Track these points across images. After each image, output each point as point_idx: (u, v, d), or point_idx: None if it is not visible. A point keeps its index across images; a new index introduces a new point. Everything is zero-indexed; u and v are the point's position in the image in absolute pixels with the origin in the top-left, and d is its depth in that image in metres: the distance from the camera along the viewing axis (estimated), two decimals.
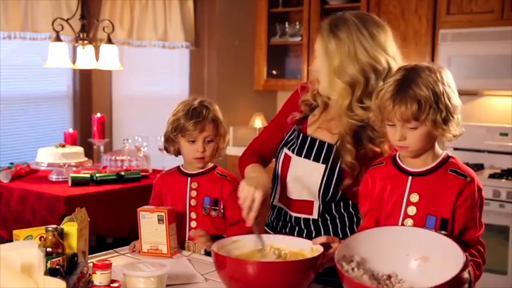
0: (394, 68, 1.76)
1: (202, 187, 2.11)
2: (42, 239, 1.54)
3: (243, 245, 1.74)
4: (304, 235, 1.88)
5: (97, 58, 4.01)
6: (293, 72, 4.84)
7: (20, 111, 4.53)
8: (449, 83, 1.55)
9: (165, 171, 2.25)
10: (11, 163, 3.80)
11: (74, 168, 3.63)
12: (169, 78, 4.95)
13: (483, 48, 3.73)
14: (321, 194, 1.85)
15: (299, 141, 1.92)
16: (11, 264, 1.27)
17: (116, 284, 1.55)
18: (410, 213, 1.60)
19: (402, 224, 1.60)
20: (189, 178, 2.13)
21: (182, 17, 4.59)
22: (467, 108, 4.06)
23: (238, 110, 4.77)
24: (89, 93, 4.95)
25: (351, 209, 1.89)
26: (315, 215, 1.89)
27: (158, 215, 1.97)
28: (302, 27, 4.62)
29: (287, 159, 1.93)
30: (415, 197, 1.60)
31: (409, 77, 1.53)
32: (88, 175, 3.54)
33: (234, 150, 4.02)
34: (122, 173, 3.61)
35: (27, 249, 1.31)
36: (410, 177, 1.61)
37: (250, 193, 1.75)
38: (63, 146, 3.73)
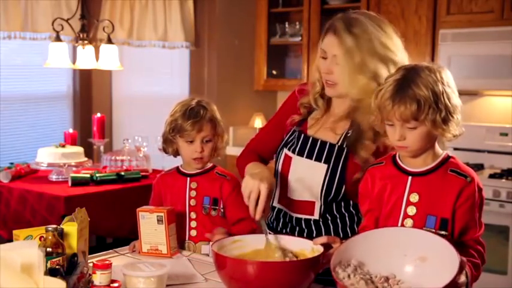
0: (404, 60, 1.78)
1: (202, 187, 2.11)
2: (42, 239, 1.54)
3: (243, 245, 1.73)
4: (305, 235, 1.88)
5: (97, 58, 4.01)
6: (293, 72, 4.84)
7: (20, 111, 4.53)
8: (449, 82, 1.55)
9: (165, 171, 2.25)
10: (11, 163, 3.80)
11: (74, 168, 3.63)
12: (169, 78, 4.95)
13: (483, 48, 3.73)
14: (323, 194, 1.85)
15: (300, 141, 1.92)
16: (11, 264, 1.27)
17: (116, 284, 1.55)
18: (410, 213, 1.60)
19: (402, 224, 1.60)
20: (188, 178, 2.13)
21: (182, 17, 4.59)
22: (467, 108, 4.06)
23: (238, 110, 4.77)
24: (89, 93, 4.95)
25: (351, 209, 1.89)
26: (316, 216, 1.89)
27: (157, 215, 1.97)
28: (302, 27, 4.62)
29: (287, 159, 1.93)
30: (414, 197, 1.59)
31: (409, 77, 1.53)
32: (88, 175, 3.54)
33: (234, 150, 4.02)
34: (122, 173, 3.61)
35: (27, 249, 1.31)
36: (410, 177, 1.61)
37: (255, 186, 1.75)
38: (63, 146, 3.73)
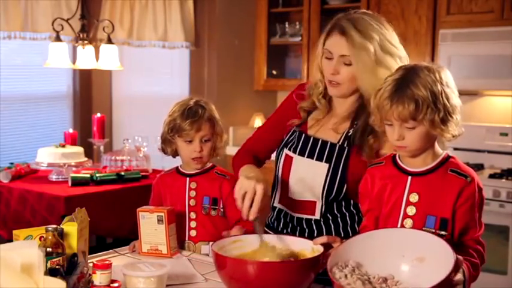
0: (407, 56, 1.81)
1: (201, 187, 2.11)
2: (42, 239, 1.54)
3: (243, 245, 1.73)
4: (306, 235, 1.88)
5: (97, 58, 4.01)
6: (293, 72, 4.84)
7: (20, 111, 4.53)
8: (449, 83, 1.55)
9: (164, 171, 2.25)
10: (11, 163, 3.80)
11: (74, 168, 3.63)
12: (169, 78, 4.95)
13: (483, 48, 3.73)
14: (324, 193, 1.86)
15: (301, 141, 1.92)
16: (11, 264, 1.27)
17: (116, 284, 1.55)
18: (410, 213, 1.60)
19: (402, 224, 1.60)
20: (187, 178, 2.13)
21: (182, 17, 4.59)
22: (467, 108, 4.06)
23: (238, 110, 4.77)
24: (89, 93, 4.95)
25: (351, 208, 1.89)
26: (317, 216, 1.89)
27: (158, 215, 1.97)
28: (302, 27, 4.62)
29: (288, 160, 1.93)
30: (414, 197, 1.59)
31: (408, 77, 1.54)
32: (88, 175, 3.54)
33: (234, 150, 3.96)
34: (122, 173, 3.61)
35: (27, 249, 1.31)
36: (409, 177, 1.61)
37: (251, 186, 1.74)
38: (63, 146, 3.73)
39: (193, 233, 2.09)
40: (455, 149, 3.83)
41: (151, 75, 4.99)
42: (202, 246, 2.07)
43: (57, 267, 1.46)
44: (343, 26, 1.79)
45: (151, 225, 1.98)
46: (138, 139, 3.92)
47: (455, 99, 1.55)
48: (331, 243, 1.65)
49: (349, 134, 1.87)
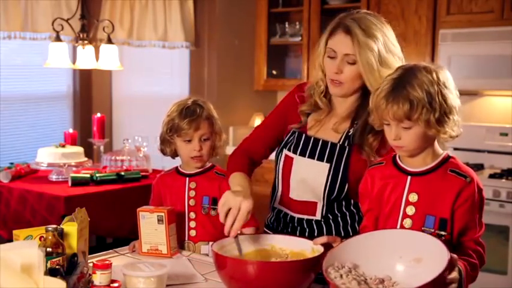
0: (404, 56, 1.82)
1: (201, 187, 2.10)
2: (42, 239, 1.54)
3: (243, 245, 1.73)
4: (306, 235, 1.88)
5: (97, 58, 4.01)
6: (293, 72, 4.84)
7: (20, 111, 4.53)
8: (447, 83, 1.55)
9: (164, 172, 2.25)
10: (11, 163, 3.80)
11: (74, 168, 3.63)
12: (169, 78, 4.95)
13: (483, 48, 3.73)
14: (326, 194, 1.86)
15: (301, 142, 1.92)
16: (11, 264, 1.27)
17: (116, 284, 1.55)
18: (409, 213, 1.60)
19: (401, 224, 1.60)
20: (187, 178, 2.13)
21: (182, 17, 4.59)
22: (467, 108, 4.06)
23: (238, 110, 4.77)
24: (89, 93, 4.95)
25: (352, 208, 1.89)
26: (318, 216, 1.89)
27: (158, 215, 1.97)
28: (302, 27, 4.62)
29: (289, 160, 1.93)
30: (414, 197, 1.60)
31: (405, 77, 1.54)
32: (88, 175, 3.54)
33: None
34: (122, 173, 3.61)
35: (27, 249, 1.31)
36: (409, 177, 1.61)
37: (236, 203, 1.71)
38: (63, 146, 3.73)
39: (193, 233, 2.09)
40: (455, 149, 3.83)
41: (151, 75, 4.99)
42: (202, 246, 2.07)
43: (57, 267, 1.46)
44: (348, 25, 1.79)
45: (152, 225, 1.98)
46: (138, 139, 3.92)
47: (453, 100, 1.54)
48: (331, 243, 1.65)
49: (350, 134, 1.87)
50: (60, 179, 3.60)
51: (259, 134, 2.08)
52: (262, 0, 4.73)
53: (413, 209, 1.59)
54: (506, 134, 3.90)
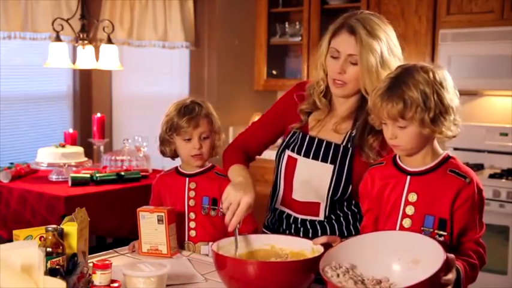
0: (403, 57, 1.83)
1: (201, 187, 2.10)
2: (42, 239, 1.54)
3: (243, 245, 1.73)
4: (310, 235, 1.88)
5: (97, 58, 4.01)
6: (293, 72, 4.84)
7: (20, 111, 4.53)
8: (444, 83, 1.55)
9: (164, 172, 2.24)
10: (11, 163, 3.80)
11: (74, 168, 3.63)
12: (169, 78, 4.94)
13: (483, 48, 3.73)
14: (329, 195, 1.86)
15: (305, 143, 1.92)
16: (11, 264, 1.27)
17: (116, 284, 1.55)
18: (409, 213, 1.60)
19: (401, 224, 1.60)
20: (187, 178, 2.12)
21: (182, 17, 4.59)
22: (467, 108, 4.06)
23: (238, 110, 4.77)
24: (89, 93, 4.95)
25: (353, 207, 1.89)
26: (321, 217, 1.89)
27: (158, 215, 1.97)
28: (302, 27, 4.62)
29: (292, 161, 1.92)
30: (413, 197, 1.60)
31: (402, 76, 1.55)
32: (88, 175, 3.54)
33: None
34: (122, 173, 3.61)
35: (27, 249, 1.31)
36: (408, 177, 1.61)
37: (237, 198, 1.75)
38: (63, 146, 3.73)
39: (192, 233, 2.08)
40: (455, 149, 3.83)
41: (151, 75, 4.99)
42: (202, 246, 2.06)
43: (57, 267, 1.46)
44: (353, 25, 1.79)
45: (152, 225, 1.98)
46: (138, 139, 3.92)
47: (450, 100, 1.54)
48: (331, 243, 1.65)
49: (353, 135, 1.87)
50: (60, 179, 3.60)
51: (256, 130, 2.08)
52: (262, 0, 4.73)
53: (413, 209, 1.59)
54: (506, 134, 3.90)
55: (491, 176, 3.63)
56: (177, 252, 2.01)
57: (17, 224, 3.34)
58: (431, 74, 1.54)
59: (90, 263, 1.61)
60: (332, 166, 1.86)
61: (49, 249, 1.48)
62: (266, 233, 1.99)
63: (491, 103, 4.08)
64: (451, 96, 1.55)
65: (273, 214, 2.00)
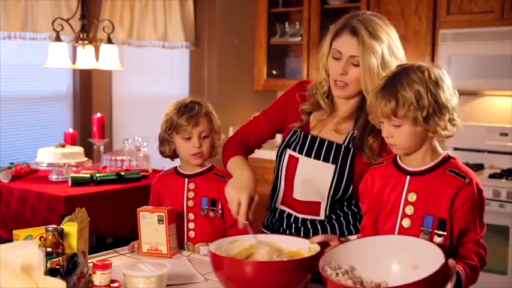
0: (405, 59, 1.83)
1: (200, 188, 2.10)
2: (42, 239, 1.54)
3: (241, 245, 1.73)
4: (310, 235, 1.87)
5: (97, 58, 4.01)
6: (293, 72, 4.84)
7: (20, 111, 4.53)
8: (440, 82, 1.54)
9: (163, 172, 2.24)
10: (11, 163, 3.80)
11: (74, 168, 3.63)
12: (169, 78, 4.94)
13: (483, 48, 3.72)
14: (330, 194, 1.86)
15: (307, 142, 1.92)
16: (11, 264, 1.27)
17: (116, 284, 1.55)
18: (408, 213, 1.60)
19: (400, 224, 1.60)
20: (186, 179, 2.12)
21: (182, 17, 4.59)
22: (467, 108, 4.06)
23: (238, 110, 4.77)
24: (89, 93, 4.95)
25: (353, 207, 1.90)
26: (321, 216, 1.89)
27: (158, 215, 1.97)
28: (302, 27, 4.62)
29: (293, 160, 1.92)
30: (412, 197, 1.60)
31: (397, 76, 1.55)
32: (88, 175, 3.54)
33: None
34: (122, 173, 3.61)
35: (27, 249, 1.31)
36: (408, 177, 1.61)
37: (235, 197, 1.77)
38: (63, 146, 3.73)
39: (191, 234, 2.08)
40: (455, 149, 3.83)
41: (151, 75, 4.99)
42: (201, 247, 2.06)
43: (57, 267, 1.46)
44: (355, 27, 1.78)
45: (152, 225, 1.98)
46: (138, 139, 3.92)
47: (446, 100, 1.54)
48: (328, 242, 1.65)
49: (354, 135, 1.87)
50: (60, 179, 3.60)
51: (255, 126, 2.09)
52: (262, 0, 4.73)
53: (412, 209, 1.59)
54: (506, 134, 3.90)
55: (491, 176, 3.63)
56: (177, 252, 2.01)
57: (17, 224, 3.34)
58: (426, 73, 1.54)
59: (90, 263, 1.61)
60: (333, 166, 1.86)
61: (49, 249, 1.48)
62: (266, 233, 1.99)
63: (491, 103, 4.08)
64: (448, 96, 1.55)
65: (272, 214, 2.00)
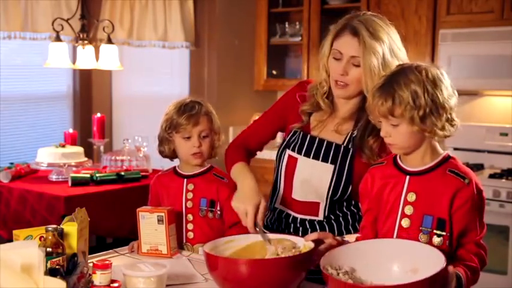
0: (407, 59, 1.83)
1: (199, 188, 2.09)
2: (42, 239, 1.54)
3: (236, 245, 1.74)
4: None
5: (97, 58, 4.01)
6: (293, 72, 4.84)
7: (20, 111, 4.53)
8: (438, 82, 1.54)
9: (161, 172, 2.23)
10: (11, 163, 3.80)
11: (74, 168, 3.63)
12: (169, 78, 4.94)
13: (483, 48, 3.73)
14: (329, 195, 1.86)
15: (306, 142, 1.92)
16: (11, 264, 1.27)
17: (116, 284, 1.55)
18: (408, 213, 1.60)
19: (400, 224, 1.60)
20: (185, 180, 2.11)
21: (182, 17, 4.59)
22: (467, 108, 4.06)
23: (238, 110, 4.77)
24: (89, 93, 4.95)
25: (352, 208, 1.89)
26: (320, 217, 1.89)
27: (158, 216, 1.97)
28: (302, 27, 4.62)
29: (292, 161, 1.92)
30: (412, 197, 1.60)
31: (395, 75, 1.56)
32: (88, 175, 3.54)
33: None
34: (122, 173, 3.61)
35: (27, 249, 1.31)
36: (408, 177, 1.61)
37: (242, 209, 1.81)
38: (63, 146, 3.73)
39: (190, 235, 2.08)
40: (455, 149, 3.83)
41: (151, 75, 4.99)
42: (200, 248, 2.05)
43: (57, 267, 1.46)
44: (355, 27, 1.78)
45: (152, 226, 1.98)
46: (138, 139, 3.92)
47: (444, 99, 1.54)
48: (322, 240, 1.65)
49: (354, 135, 1.87)
50: (60, 179, 3.60)
51: (257, 129, 2.09)
52: (262, 0, 4.73)
53: (412, 209, 1.59)
54: (506, 134, 3.90)
55: (491, 176, 3.63)
56: (177, 253, 2.01)
57: (17, 224, 3.34)
58: (424, 73, 1.54)
59: (90, 263, 1.61)
60: (332, 166, 1.86)
61: (49, 249, 1.48)
62: (266, 233, 1.99)
63: (491, 103, 4.08)
64: (446, 96, 1.54)
65: (272, 213, 2.01)
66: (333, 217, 1.89)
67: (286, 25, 4.76)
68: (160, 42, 4.60)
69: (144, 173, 3.72)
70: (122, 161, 3.82)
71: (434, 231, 1.56)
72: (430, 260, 1.42)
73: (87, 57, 3.99)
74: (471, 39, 3.76)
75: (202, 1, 4.65)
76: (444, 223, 1.56)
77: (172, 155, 2.15)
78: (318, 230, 1.88)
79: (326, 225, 1.89)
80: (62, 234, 1.55)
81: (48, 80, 4.72)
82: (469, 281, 1.51)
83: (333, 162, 1.86)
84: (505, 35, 3.63)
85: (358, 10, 1.90)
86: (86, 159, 3.76)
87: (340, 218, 1.89)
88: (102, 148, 4.15)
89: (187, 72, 4.78)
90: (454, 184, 1.56)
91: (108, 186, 3.50)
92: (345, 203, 1.89)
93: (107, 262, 1.55)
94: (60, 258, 1.50)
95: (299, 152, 1.92)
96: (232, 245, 1.73)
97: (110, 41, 3.95)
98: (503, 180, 3.56)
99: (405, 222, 1.60)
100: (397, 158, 1.66)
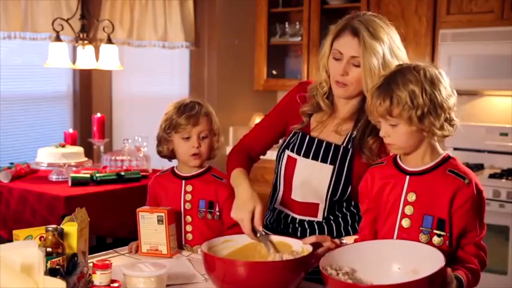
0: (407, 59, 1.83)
1: (197, 190, 2.08)
2: (42, 239, 1.54)
3: (234, 245, 1.74)
4: (307, 235, 1.87)
5: (97, 58, 4.01)
6: (293, 72, 4.84)
7: (20, 111, 4.53)
8: (436, 82, 1.54)
9: (159, 173, 2.22)
10: (11, 163, 3.80)
11: (74, 168, 3.63)
12: (169, 78, 4.95)
13: (483, 48, 3.72)
14: (328, 195, 1.85)
15: (305, 143, 1.92)
16: (11, 264, 1.27)
17: (116, 284, 1.55)
18: (408, 213, 1.60)
19: (400, 224, 1.60)
20: (183, 181, 2.10)
21: (182, 17, 4.59)
22: (467, 108, 4.06)
23: (238, 110, 4.77)
24: (89, 93, 4.95)
25: (352, 208, 1.89)
26: (319, 218, 1.89)
27: (158, 216, 1.97)
28: (302, 27, 4.62)
29: (292, 161, 1.92)
30: (412, 197, 1.59)
31: (394, 75, 1.56)
32: (88, 175, 3.54)
33: None
34: (122, 173, 3.61)
35: (27, 249, 1.31)
36: (407, 177, 1.61)
37: (239, 218, 1.78)
38: (63, 146, 3.73)
39: (189, 236, 2.07)
40: (455, 149, 3.83)
41: (151, 75, 4.99)
42: (198, 250, 2.05)
43: (57, 267, 1.46)
44: (356, 27, 1.78)
45: (152, 226, 1.98)
46: (138, 139, 3.92)
47: (442, 99, 1.53)
48: (321, 243, 1.65)
49: (353, 136, 1.87)
50: (60, 179, 3.60)
51: (258, 133, 2.08)
52: (262, 0, 4.73)
53: (412, 209, 1.59)
54: (506, 134, 3.90)
55: (491, 176, 3.63)
56: (177, 253, 2.01)
57: (17, 224, 3.34)
58: (422, 73, 1.54)
59: (90, 263, 1.61)
60: (332, 167, 1.86)
61: (49, 249, 1.48)
62: (266, 233, 1.98)
63: (491, 103, 4.08)
64: (444, 96, 1.54)
65: (272, 214, 2.01)
66: (332, 218, 1.89)
67: (286, 25, 4.76)
68: (160, 42, 4.60)
69: (144, 173, 3.71)
70: (122, 161, 3.82)
71: (435, 231, 1.56)
72: (430, 260, 1.42)
73: (87, 57, 3.99)
74: (471, 39, 3.76)
75: (202, 1, 4.65)
76: (444, 223, 1.56)
77: (171, 155, 2.14)
78: (317, 231, 1.88)
79: (325, 226, 1.89)
80: (62, 234, 1.55)
81: (48, 80, 4.72)
82: (469, 283, 1.51)
83: (332, 162, 1.86)
84: (505, 35, 3.63)
85: (358, 10, 1.90)
86: (86, 159, 3.76)
87: (340, 219, 1.89)
88: (102, 148, 4.15)
89: (187, 72, 4.79)
90: (454, 184, 1.56)
91: (108, 186, 3.50)
92: (344, 204, 1.89)
93: (107, 262, 1.55)
94: (60, 258, 1.50)
95: (298, 153, 1.91)
96: (229, 245, 1.73)
97: (110, 41, 3.95)
98: (503, 180, 3.56)
99: (405, 223, 1.60)
100: (397, 158, 1.66)
